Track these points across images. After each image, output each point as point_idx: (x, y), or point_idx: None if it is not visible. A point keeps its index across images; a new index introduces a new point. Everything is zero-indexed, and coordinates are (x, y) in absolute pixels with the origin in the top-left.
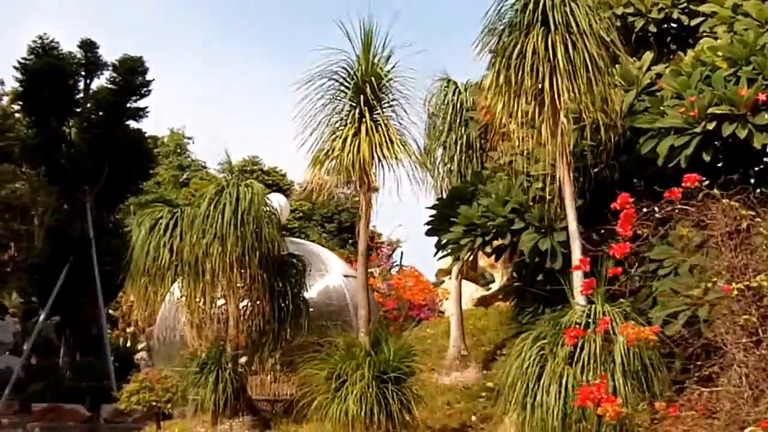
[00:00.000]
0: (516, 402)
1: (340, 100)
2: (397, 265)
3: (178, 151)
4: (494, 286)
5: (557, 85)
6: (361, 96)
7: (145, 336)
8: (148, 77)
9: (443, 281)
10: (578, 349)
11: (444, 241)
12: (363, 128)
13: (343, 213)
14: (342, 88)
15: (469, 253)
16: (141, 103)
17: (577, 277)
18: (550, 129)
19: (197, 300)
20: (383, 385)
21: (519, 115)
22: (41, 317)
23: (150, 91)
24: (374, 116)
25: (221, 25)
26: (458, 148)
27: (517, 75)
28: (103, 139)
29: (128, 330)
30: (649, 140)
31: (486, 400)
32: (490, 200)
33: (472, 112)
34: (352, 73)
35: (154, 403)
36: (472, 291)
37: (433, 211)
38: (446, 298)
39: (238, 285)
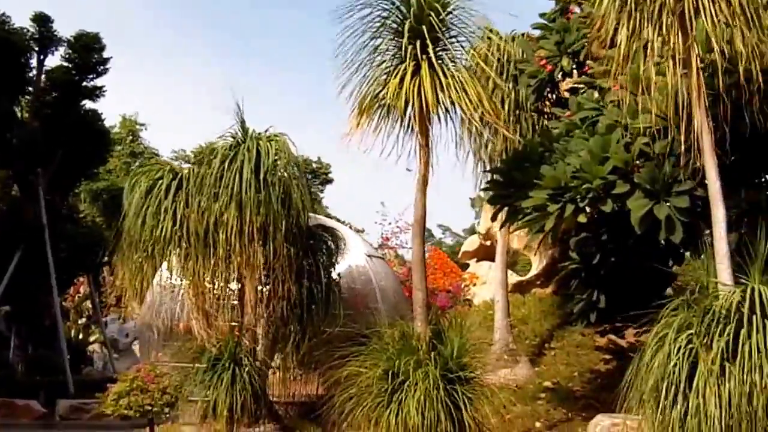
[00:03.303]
0: (660, 408)
1: (391, 31)
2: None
3: (131, 138)
4: (532, 271)
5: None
6: (423, 26)
7: (96, 326)
8: (106, 54)
9: (468, 264)
10: (741, 342)
11: (520, 208)
12: (424, 65)
13: None
14: (394, 17)
15: (555, 223)
16: (98, 82)
17: (723, 251)
18: (694, 63)
19: (206, 280)
20: (451, 386)
21: (656, 42)
22: None
23: (107, 69)
24: (439, 52)
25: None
26: (506, 107)
27: None
28: (57, 119)
29: (80, 321)
30: None
31: (546, 403)
32: (582, 159)
33: (524, 64)
34: None
35: (149, 407)
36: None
37: (495, 176)
38: (474, 284)
39: (258, 262)
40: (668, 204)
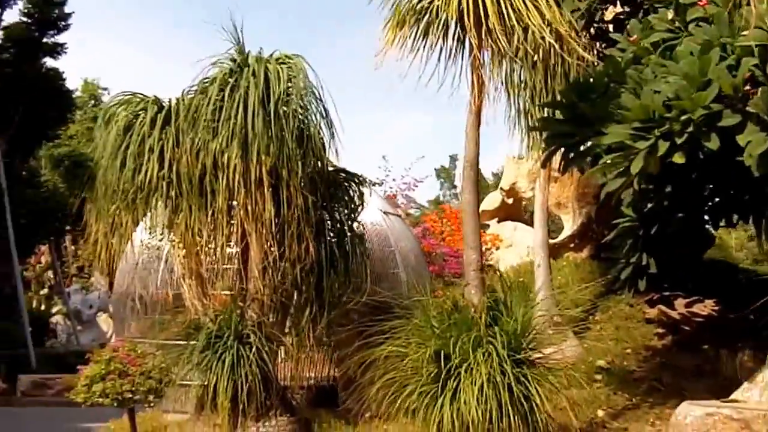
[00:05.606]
0: None
1: None
2: (417, 206)
3: (93, 102)
4: (565, 231)
5: None
6: None
7: (59, 296)
8: (67, 9)
9: (488, 225)
10: None
11: (591, 148)
12: None
13: None
14: None
15: (643, 164)
16: (59, 39)
17: None
18: None
19: (201, 238)
20: (518, 369)
21: None
22: None
23: (69, 25)
24: None
25: None
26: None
27: None
28: (16, 78)
29: (42, 292)
30: None
31: (604, 386)
32: (675, 85)
33: None
34: None
35: (129, 395)
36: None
37: (552, 112)
38: (497, 248)
39: (268, 214)
40: None
